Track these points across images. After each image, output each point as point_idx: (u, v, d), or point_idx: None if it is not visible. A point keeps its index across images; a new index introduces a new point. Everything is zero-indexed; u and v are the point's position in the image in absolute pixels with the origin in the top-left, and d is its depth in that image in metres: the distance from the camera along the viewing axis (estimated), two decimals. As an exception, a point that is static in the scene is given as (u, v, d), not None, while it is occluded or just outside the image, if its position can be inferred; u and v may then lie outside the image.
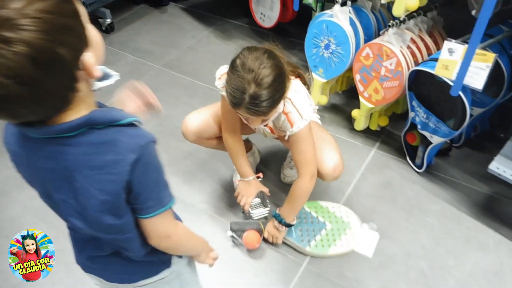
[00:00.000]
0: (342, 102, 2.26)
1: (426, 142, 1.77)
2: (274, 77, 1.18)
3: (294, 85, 1.35)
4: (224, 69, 1.42)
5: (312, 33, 1.92)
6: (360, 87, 1.86)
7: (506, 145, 1.54)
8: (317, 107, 1.69)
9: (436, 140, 1.71)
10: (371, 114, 1.97)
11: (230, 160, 1.61)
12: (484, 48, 1.39)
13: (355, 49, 1.83)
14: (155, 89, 2.41)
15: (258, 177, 1.62)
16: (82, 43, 0.62)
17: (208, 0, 3.15)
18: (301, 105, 1.34)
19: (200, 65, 2.51)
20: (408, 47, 1.71)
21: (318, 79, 1.99)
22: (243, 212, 1.68)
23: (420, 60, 1.73)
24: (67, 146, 0.65)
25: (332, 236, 1.60)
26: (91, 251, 0.83)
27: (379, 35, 1.85)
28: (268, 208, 1.63)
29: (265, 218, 1.63)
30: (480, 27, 1.20)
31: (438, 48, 1.77)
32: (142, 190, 0.70)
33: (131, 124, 0.68)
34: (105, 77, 0.70)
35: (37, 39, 0.54)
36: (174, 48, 2.67)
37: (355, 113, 1.98)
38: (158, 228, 0.77)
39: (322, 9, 2.08)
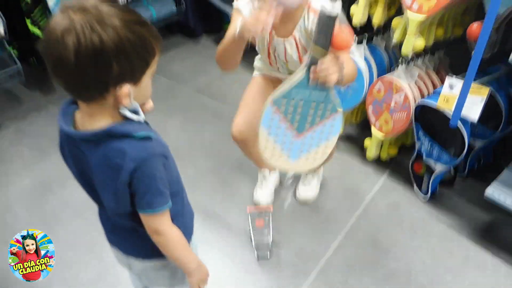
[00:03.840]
0: (356, 132, 2.43)
1: (430, 171, 1.92)
2: None
3: None
4: None
5: (330, 67, 2.13)
6: (372, 118, 2.04)
7: (503, 172, 1.68)
8: None
9: (439, 168, 1.86)
10: (382, 144, 2.14)
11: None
12: (480, 84, 1.56)
13: (369, 84, 2.02)
14: (186, 110, 2.65)
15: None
16: (132, 76, 0.80)
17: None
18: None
19: (228, 91, 2.74)
20: (416, 83, 1.90)
21: (334, 109, 2.19)
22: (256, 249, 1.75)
23: (426, 94, 1.91)
24: (92, 148, 0.84)
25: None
26: (114, 222, 1.01)
27: (390, 71, 2.05)
28: (270, 237, 1.70)
29: (267, 247, 1.72)
30: (474, 65, 1.39)
31: (443, 83, 1.95)
32: (137, 191, 0.87)
33: (146, 138, 0.84)
34: (135, 111, 0.85)
35: (109, 43, 0.73)
36: (205, 75, 2.91)
37: (367, 142, 2.15)
38: (149, 223, 0.92)
39: (341, 47, 2.30)
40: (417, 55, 1.90)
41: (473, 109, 1.53)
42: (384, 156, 2.18)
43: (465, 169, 2.07)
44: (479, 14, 1.59)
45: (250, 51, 1.49)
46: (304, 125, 1.27)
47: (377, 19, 1.85)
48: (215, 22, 3.35)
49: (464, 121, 1.67)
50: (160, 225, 0.93)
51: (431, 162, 1.89)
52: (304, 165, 1.35)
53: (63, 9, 0.75)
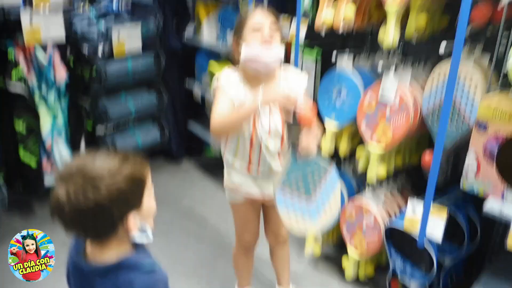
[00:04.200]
0: (334, 252, 2.51)
1: (406, 289, 2.00)
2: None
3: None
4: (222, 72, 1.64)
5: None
6: (347, 240, 2.16)
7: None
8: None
9: (414, 285, 1.94)
10: (359, 264, 2.22)
11: None
12: (439, 205, 1.73)
13: (340, 207, 2.17)
14: (168, 233, 2.70)
15: None
16: (133, 207, 0.95)
17: (219, 159, 3.63)
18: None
19: (209, 216, 2.83)
20: (384, 204, 2.06)
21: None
22: None
23: (393, 214, 2.06)
24: (101, 278, 0.95)
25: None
26: None
27: (359, 192, 2.22)
28: None
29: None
30: (429, 192, 1.57)
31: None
32: None
33: (151, 271, 0.96)
34: (143, 230, 0.99)
35: (104, 200, 0.88)
36: (186, 199, 3.03)
37: (345, 262, 2.23)
38: None
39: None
40: (382, 179, 2.09)
41: (436, 229, 1.67)
42: (362, 275, 2.24)
43: (439, 286, 2.14)
44: (431, 142, 1.82)
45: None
46: (310, 188, 1.54)
47: (343, 149, 2.08)
48: (196, 146, 3.57)
49: (431, 241, 1.79)
50: None
51: (406, 280, 1.97)
52: (326, 218, 1.57)
53: (59, 179, 0.91)
